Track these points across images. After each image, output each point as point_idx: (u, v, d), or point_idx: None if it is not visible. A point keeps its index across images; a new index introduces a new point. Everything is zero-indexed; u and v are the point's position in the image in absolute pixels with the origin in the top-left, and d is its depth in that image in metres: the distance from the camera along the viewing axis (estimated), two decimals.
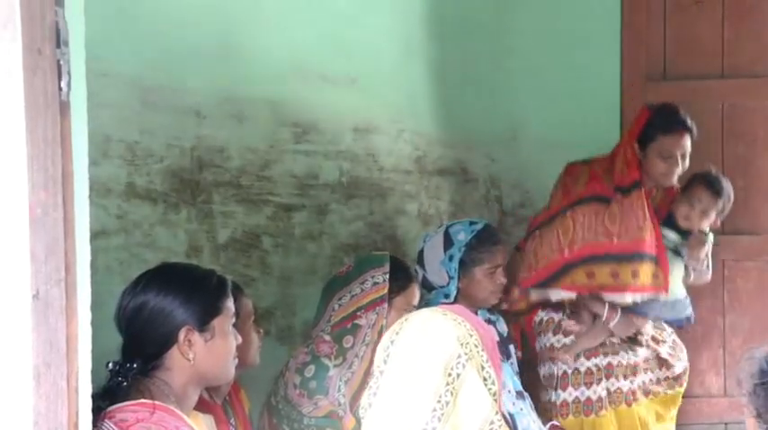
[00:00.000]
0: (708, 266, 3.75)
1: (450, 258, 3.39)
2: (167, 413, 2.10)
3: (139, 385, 2.17)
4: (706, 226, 3.71)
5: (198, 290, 2.25)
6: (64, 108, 1.48)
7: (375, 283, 3.05)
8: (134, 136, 3.08)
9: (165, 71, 3.20)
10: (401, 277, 3.10)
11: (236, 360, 2.34)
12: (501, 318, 3.64)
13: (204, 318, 2.23)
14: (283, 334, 3.65)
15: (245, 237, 3.48)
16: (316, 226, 3.81)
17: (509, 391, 3.26)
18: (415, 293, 3.11)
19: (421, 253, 3.48)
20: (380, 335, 2.80)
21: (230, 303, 2.30)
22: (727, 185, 3.73)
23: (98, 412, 1.95)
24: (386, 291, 3.03)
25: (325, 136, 3.84)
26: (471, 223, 3.49)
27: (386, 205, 4.16)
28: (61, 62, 1.46)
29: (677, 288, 3.68)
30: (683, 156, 3.57)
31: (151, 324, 2.21)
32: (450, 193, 4.54)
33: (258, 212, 3.54)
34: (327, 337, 3.03)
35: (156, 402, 2.11)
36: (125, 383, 2.14)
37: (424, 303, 3.12)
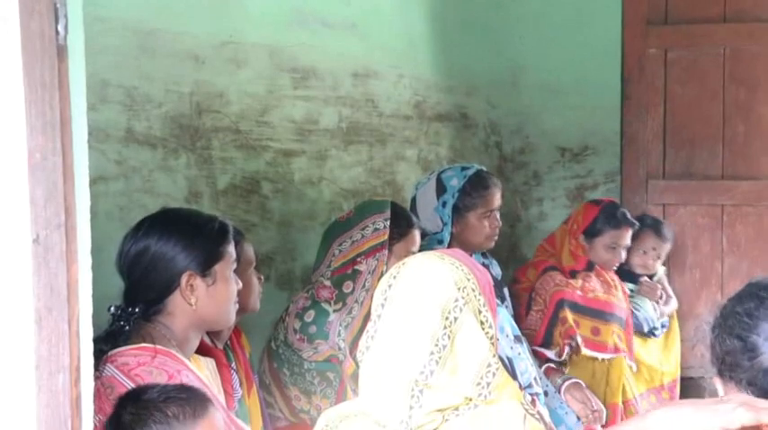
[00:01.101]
0: (670, 295, 4.21)
1: (444, 204, 3.40)
2: (169, 357, 2.12)
3: (141, 329, 2.19)
4: (658, 266, 4.21)
5: (199, 235, 2.25)
6: (61, 52, 1.46)
7: (376, 229, 3.05)
8: (132, 81, 3.06)
9: (164, 16, 3.17)
10: (402, 223, 3.10)
11: (237, 305, 2.35)
12: (494, 262, 3.66)
13: (206, 263, 2.24)
14: (283, 279, 3.66)
15: (244, 183, 3.48)
16: (315, 171, 3.80)
17: (507, 336, 3.28)
18: (416, 240, 3.12)
19: (413, 200, 3.48)
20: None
21: (232, 248, 2.31)
22: (671, 227, 4.25)
23: (100, 355, 1.97)
24: (386, 237, 3.04)
25: (325, 81, 3.81)
26: (463, 168, 3.48)
27: (385, 151, 4.15)
28: (58, 5, 1.45)
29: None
30: (625, 248, 3.95)
31: (153, 269, 2.22)
32: (450, 139, 4.53)
33: (257, 158, 3.53)
34: (327, 283, 3.04)
35: (158, 346, 2.13)
36: (127, 327, 2.16)
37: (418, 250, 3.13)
